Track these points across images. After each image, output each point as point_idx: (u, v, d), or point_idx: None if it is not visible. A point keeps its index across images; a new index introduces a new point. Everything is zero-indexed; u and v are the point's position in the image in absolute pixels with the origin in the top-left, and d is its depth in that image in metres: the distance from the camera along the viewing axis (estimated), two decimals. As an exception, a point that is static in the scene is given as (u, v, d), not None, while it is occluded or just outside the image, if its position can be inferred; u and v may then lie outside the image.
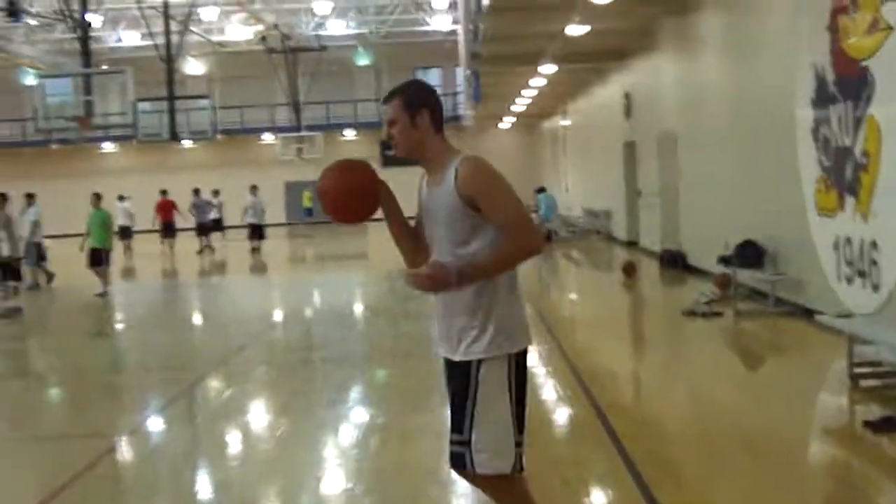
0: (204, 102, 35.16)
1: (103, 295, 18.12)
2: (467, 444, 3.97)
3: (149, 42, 38.59)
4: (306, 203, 44.36)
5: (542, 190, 30.15)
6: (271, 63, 43.53)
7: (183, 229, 32.44)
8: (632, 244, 23.59)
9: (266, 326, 14.61)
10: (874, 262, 9.37)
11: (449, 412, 4.09)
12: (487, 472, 3.99)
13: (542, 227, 27.86)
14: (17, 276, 16.39)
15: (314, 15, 45.83)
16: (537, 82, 26.12)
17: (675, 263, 17.99)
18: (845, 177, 9.92)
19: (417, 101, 4.04)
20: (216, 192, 33.66)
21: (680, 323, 12.34)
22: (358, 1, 46.67)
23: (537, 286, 18.96)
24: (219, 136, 39.46)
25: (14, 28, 38.03)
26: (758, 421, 7.45)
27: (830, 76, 10.26)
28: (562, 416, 8.01)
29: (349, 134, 49.15)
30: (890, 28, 8.87)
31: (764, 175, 13.19)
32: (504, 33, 19.23)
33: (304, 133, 44.10)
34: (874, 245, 9.36)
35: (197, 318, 17.04)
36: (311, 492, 6.14)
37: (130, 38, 44.28)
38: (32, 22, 36.07)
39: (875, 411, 7.21)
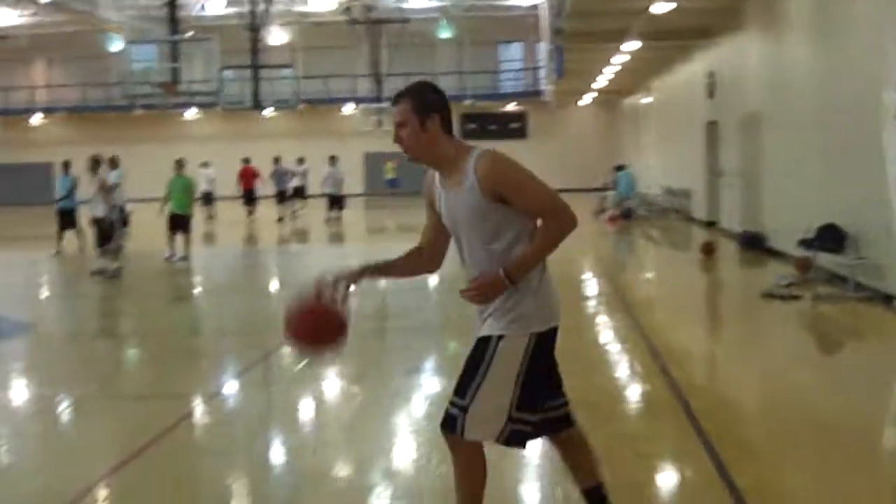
0: (287, 72, 35.47)
1: (183, 259, 18.36)
2: (465, 409, 4.04)
3: (233, 10, 39.05)
4: (389, 174, 44.18)
5: (621, 167, 29.95)
6: (354, 34, 43.68)
7: (264, 197, 32.75)
8: (711, 224, 23.34)
9: (343, 295, 14.69)
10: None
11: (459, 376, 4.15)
12: (475, 437, 4.07)
13: (621, 205, 27.73)
14: (108, 238, 16.56)
15: (398, -14, 45.86)
16: (620, 59, 25.85)
17: (754, 245, 17.78)
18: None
19: (428, 105, 4.05)
20: (301, 160, 32.84)
21: (758, 305, 12.22)
22: (441, -27, 46.62)
23: (615, 264, 18.90)
24: (301, 106, 39.72)
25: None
26: (834, 405, 7.39)
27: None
28: (638, 392, 8.04)
29: (430, 106, 48.95)
30: None
31: (848, 159, 12.96)
32: (588, 9, 19.07)
33: (384, 105, 44.13)
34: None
35: (274, 286, 17.25)
36: (385, 459, 6.24)
37: (215, 7, 44.73)
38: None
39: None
